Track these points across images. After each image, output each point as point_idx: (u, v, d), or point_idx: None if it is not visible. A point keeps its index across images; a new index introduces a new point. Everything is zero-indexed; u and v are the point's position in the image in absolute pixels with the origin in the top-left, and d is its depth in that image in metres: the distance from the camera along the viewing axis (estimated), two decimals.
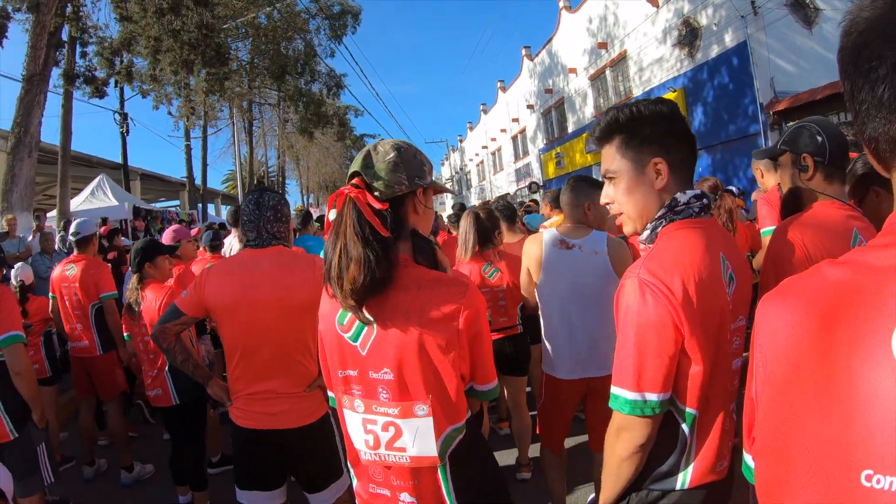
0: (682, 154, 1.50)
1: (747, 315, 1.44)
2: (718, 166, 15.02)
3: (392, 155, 1.46)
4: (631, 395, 1.35)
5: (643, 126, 1.49)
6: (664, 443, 1.44)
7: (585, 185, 3.00)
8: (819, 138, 1.90)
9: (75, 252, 4.81)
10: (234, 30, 19.49)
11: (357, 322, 1.43)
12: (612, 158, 1.55)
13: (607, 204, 1.62)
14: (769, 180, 4.21)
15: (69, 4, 11.97)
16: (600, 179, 1.88)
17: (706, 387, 1.39)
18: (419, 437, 1.40)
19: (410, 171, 1.48)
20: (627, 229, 1.59)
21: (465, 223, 3.77)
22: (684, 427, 1.42)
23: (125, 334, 4.13)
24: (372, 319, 1.39)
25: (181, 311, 2.40)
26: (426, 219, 1.56)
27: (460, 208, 9.29)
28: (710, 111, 15.05)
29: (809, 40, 13.65)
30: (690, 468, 1.45)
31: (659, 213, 1.49)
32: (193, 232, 5.12)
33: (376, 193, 1.42)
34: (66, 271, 4.69)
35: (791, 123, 2.02)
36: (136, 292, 3.70)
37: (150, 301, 3.60)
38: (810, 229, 1.79)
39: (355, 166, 1.47)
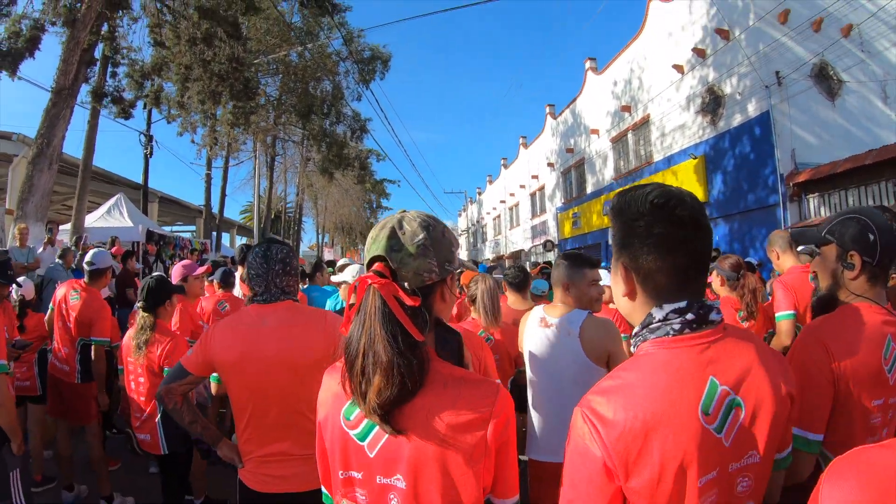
0: (649, 261, 1.20)
1: (763, 451, 1.17)
2: (736, 236, 14.88)
3: (421, 236, 1.26)
4: None
5: (614, 221, 1.28)
6: None
7: (567, 264, 2.92)
8: (871, 236, 1.69)
9: (85, 280, 4.73)
10: (264, 65, 19.93)
11: (367, 419, 1.25)
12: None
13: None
14: (785, 262, 4.10)
15: (105, 24, 12.28)
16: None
17: None
18: None
19: (441, 256, 1.29)
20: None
21: (485, 287, 3.59)
22: None
23: (119, 367, 3.94)
24: (398, 431, 1.20)
25: (187, 370, 2.31)
26: (451, 305, 1.38)
27: (473, 265, 9.17)
28: (729, 180, 14.99)
29: (832, 112, 13.68)
30: None
31: (635, 330, 1.26)
32: (202, 269, 5.03)
33: (405, 284, 1.24)
34: (70, 295, 4.62)
35: (839, 215, 1.79)
36: (147, 333, 3.53)
37: (151, 345, 3.51)
38: (841, 336, 1.63)
39: (378, 249, 1.27)
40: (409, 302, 1.20)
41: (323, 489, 1.46)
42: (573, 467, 1.12)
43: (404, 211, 1.35)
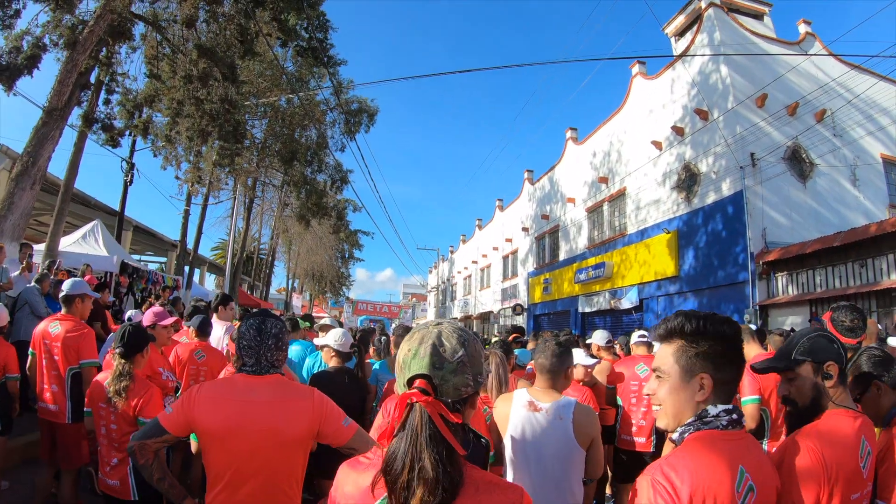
0: (729, 374, 1.58)
1: None
2: (704, 310, 15.15)
3: (461, 353, 1.33)
4: None
5: (704, 341, 1.59)
6: None
7: (569, 352, 3.12)
8: (835, 346, 2.04)
9: (63, 311, 4.66)
10: (253, 107, 20.11)
11: None
12: (666, 359, 1.66)
13: (649, 395, 1.73)
14: (749, 351, 4.36)
15: (104, 49, 12.37)
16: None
17: None
18: None
19: (475, 369, 1.36)
20: (661, 423, 1.69)
21: (497, 362, 3.64)
22: None
23: (86, 409, 3.78)
24: None
25: (164, 429, 2.30)
26: (478, 412, 1.49)
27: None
28: (700, 255, 15.43)
29: (803, 194, 14.33)
30: None
31: (689, 420, 1.60)
32: (171, 320, 5.02)
33: (447, 399, 1.31)
34: (49, 328, 4.54)
35: (800, 337, 2.16)
36: (124, 380, 3.45)
37: (129, 392, 3.43)
38: (829, 443, 1.87)
39: (422, 367, 1.31)
40: (452, 419, 1.27)
41: None
42: None
43: (440, 324, 1.41)
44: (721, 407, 1.56)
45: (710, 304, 15.02)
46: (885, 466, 2.12)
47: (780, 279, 13.21)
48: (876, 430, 2.27)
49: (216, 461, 2.24)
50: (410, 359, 1.33)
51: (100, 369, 4.45)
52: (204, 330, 5.40)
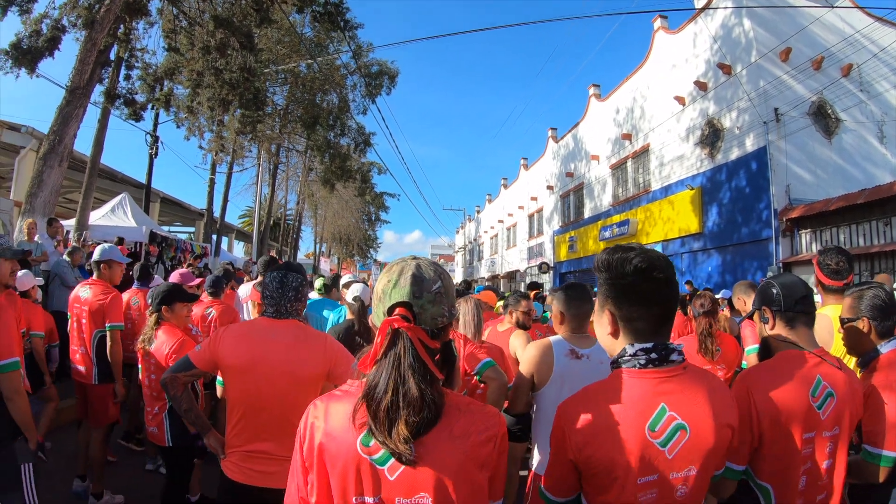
0: (631, 312, 1.55)
1: (700, 466, 1.52)
2: (728, 267, 15.10)
3: (438, 284, 1.39)
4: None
5: (604, 275, 1.59)
6: None
7: (590, 294, 3.12)
8: (774, 291, 2.08)
9: (94, 275, 4.86)
10: (273, 75, 20.14)
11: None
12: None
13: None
14: (750, 306, 4.38)
15: (122, 26, 12.48)
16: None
17: None
18: None
19: (450, 301, 1.42)
20: None
21: (469, 308, 3.87)
22: None
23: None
24: (415, 460, 1.27)
25: (193, 364, 2.56)
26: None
27: (466, 286, 9.39)
28: (724, 212, 15.27)
29: (828, 150, 14.02)
30: None
31: (611, 360, 1.63)
32: (195, 282, 5.26)
33: (424, 327, 1.35)
34: (80, 292, 4.75)
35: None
36: (151, 331, 3.81)
37: (160, 343, 3.71)
38: (766, 381, 1.93)
39: (403, 295, 1.36)
40: (431, 344, 1.33)
41: None
42: (553, 447, 1.60)
43: (416, 258, 1.46)
44: (638, 346, 1.54)
45: (734, 262, 14.91)
46: (869, 412, 2.15)
47: (804, 236, 13.04)
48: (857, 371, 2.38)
49: (236, 394, 2.50)
50: (391, 288, 1.38)
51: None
52: (215, 289, 5.64)
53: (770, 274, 12.61)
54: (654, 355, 1.54)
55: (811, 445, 1.89)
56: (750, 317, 2.23)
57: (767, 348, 2.11)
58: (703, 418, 1.52)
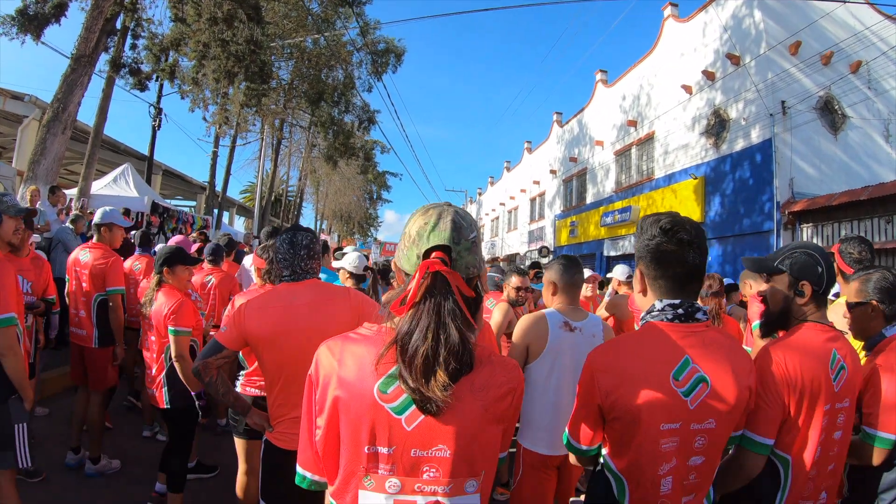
0: (657, 272, 1.72)
1: (719, 421, 1.64)
2: (728, 258, 15.12)
3: (474, 234, 1.34)
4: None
5: (637, 237, 1.78)
6: None
7: (581, 266, 3.23)
8: (819, 269, 2.06)
9: (94, 238, 4.88)
10: (279, 49, 20.00)
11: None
12: None
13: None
14: (758, 286, 4.40)
15: None
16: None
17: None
18: None
19: (479, 256, 1.38)
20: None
21: None
22: None
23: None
24: (442, 406, 1.21)
25: (222, 345, 2.50)
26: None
27: None
28: (726, 202, 15.25)
29: (833, 145, 13.95)
30: None
31: (641, 315, 1.78)
32: (195, 246, 5.29)
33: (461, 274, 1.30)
34: (80, 255, 4.76)
35: (789, 248, 2.15)
36: (152, 293, 3.84)
37: (160, 304, 3.74)
38: (795, 353, 1.95)
39: (444, 239, 1.28)
40: (467, 292, 1.27)
41: (309, 474, 1.40)
42: (581, 393, 1.77)
43: (450, 204, 1.39)
44: (666, 301, 1.70)
45: (735, 252, 14.91)
46: (869, 393, 2.19)
47: (806, 230, 13.03)
48: (861, 354, 2.40)
49: (271, 365, 2.48)
50: (429, 231, 1.30)
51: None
52: (215, 258, 5.68)
53: None
54: (680, 311, 1.69)
55: (827, 417, 1.94)
56: (766, 272, 2.21)
57: (787, 318, 2.12)
58: (723, 375, 1.64)
